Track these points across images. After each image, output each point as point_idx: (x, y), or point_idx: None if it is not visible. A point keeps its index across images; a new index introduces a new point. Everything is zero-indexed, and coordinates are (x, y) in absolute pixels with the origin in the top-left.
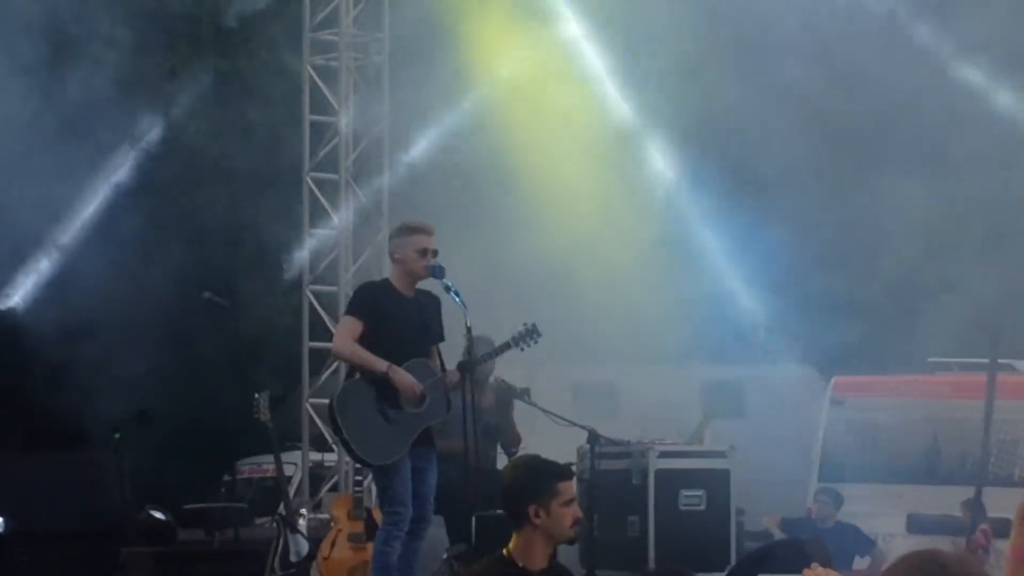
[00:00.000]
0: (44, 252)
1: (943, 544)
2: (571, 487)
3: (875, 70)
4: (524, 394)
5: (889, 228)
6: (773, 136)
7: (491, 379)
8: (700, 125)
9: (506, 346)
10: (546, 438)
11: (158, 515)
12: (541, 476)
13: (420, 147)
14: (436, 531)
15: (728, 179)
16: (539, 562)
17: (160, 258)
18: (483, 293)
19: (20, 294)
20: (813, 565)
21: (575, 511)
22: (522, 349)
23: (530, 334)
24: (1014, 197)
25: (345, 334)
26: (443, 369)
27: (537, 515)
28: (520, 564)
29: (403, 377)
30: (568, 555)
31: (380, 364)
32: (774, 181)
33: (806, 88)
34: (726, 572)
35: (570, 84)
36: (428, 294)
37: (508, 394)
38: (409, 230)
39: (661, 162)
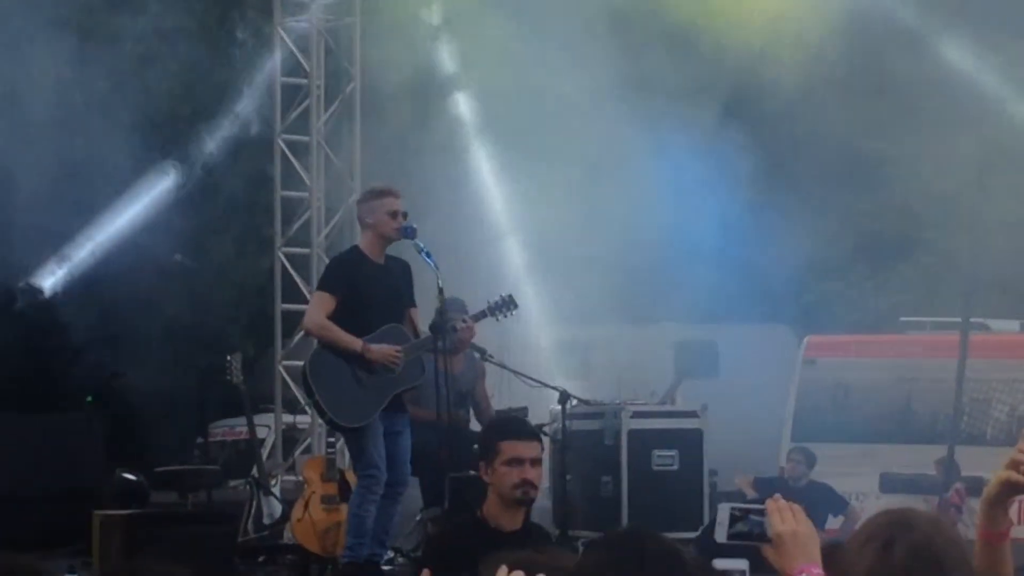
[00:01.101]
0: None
1: (916, 502)
2: (516, 447)
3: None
4: (483, 353)
5: (861, 186)
6: (748, 93)
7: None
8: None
9: (482, 314)
10: (520, 399)
11: (130, 477)
12: (488, 435)
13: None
14: (410, 492)
15: (702, 138)
16: (508, 523)
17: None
18: (456, 253)
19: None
20: (776, 496)
21: (522, 472)
22: (498, 319)
23: (507, 304)
24: (988, 155)
25: (318, 311)
26: (416, 334)
27: (486, 473)
28: (491, 525)
29: (378, 350)
30: (541, 515)
31: (354, 343)
32: (748, 140)
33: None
34: (699, 532)
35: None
36: (398, 260)
37: (475, 364)
38: (377, 193)
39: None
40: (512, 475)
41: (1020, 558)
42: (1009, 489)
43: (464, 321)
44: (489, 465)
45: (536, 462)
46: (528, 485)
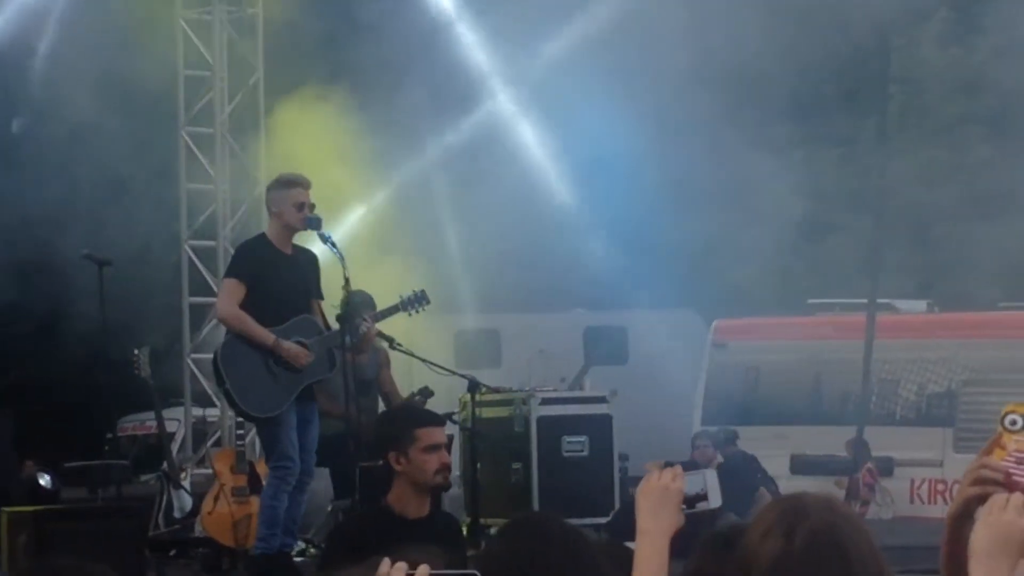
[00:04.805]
0: None
1: (827, 484)
2: (433, 433)
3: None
4: (391, 341)
5: (768, 170)
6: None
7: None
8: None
9: (394, 308)
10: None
11: (40, 474)
12: (399, 424)
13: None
14: (321, 483)
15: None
16: (415, 510)
17: (35, 216)
18: (365, 244)
19: None
20: (660, 462)
21: (440, 457)
22: (410, 314)
23: (419, 300)
24: (892, 135)
25: (229, 299)
26: (326, 325)
27: (398, 462)
28: (397, 512)
29: (290, 347)
30: (453, 502)
31: (266, 337)
32: (655, 126)
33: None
34: (611, 516)
35: None
36: (306, 251)
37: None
38: (286, 183)
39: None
40: (432, 461)
41: (926, 537)
42: (974, 503)
43: (366, 320)
44: (403, 454)
45: (448, 447)
46: (447, 469)
